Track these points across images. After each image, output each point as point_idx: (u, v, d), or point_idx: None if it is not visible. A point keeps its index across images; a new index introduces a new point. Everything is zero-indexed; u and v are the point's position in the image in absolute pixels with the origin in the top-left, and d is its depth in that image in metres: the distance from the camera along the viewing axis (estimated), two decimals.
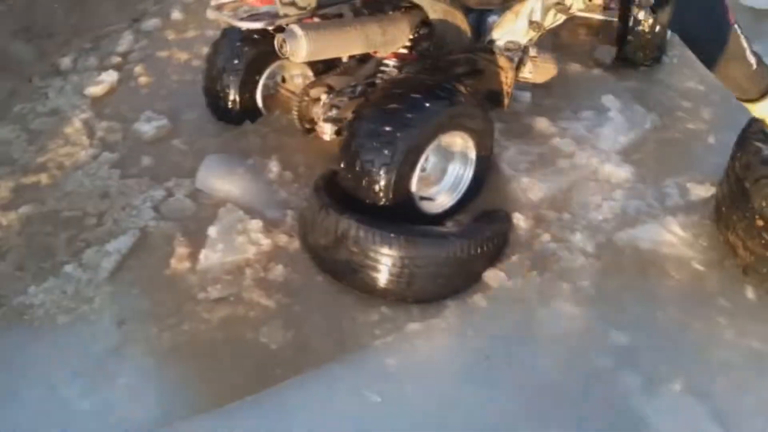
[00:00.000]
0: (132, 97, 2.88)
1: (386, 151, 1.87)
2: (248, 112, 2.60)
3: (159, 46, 3.27)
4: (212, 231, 2.11)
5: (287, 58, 2.22)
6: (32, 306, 1.92)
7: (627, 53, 2.81)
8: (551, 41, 2.65)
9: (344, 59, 2.41)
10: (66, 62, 3.13)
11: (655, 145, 2.42)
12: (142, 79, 2.99)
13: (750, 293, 1.88)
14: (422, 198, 2.09)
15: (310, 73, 2.62)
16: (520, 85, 2.70)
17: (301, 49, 1.88)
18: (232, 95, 2.53)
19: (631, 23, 2.69)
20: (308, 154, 2.49)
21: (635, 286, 1.92)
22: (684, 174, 2.28)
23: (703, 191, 2.21)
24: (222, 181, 2.34)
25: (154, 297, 1.96)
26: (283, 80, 2.69)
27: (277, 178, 2.36)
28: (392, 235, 1.81)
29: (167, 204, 2.27)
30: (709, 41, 2.01)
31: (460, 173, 2.15)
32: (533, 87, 2.71)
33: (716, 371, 1.69)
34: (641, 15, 2.67)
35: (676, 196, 2.21)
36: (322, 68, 2.58)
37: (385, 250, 1.81)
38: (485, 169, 2.19)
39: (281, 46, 1.89)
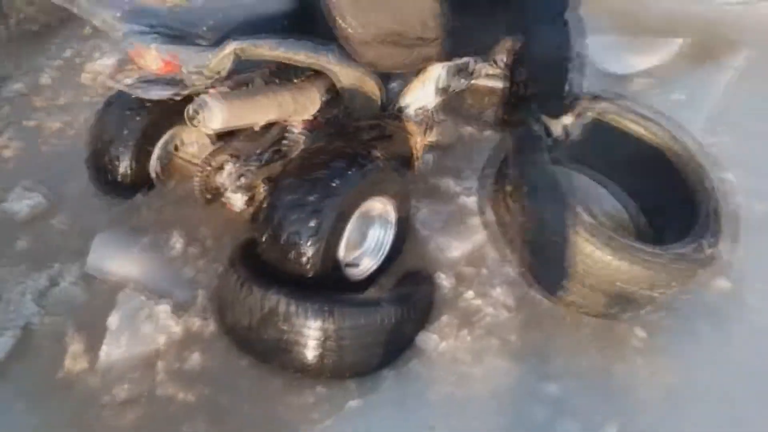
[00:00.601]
0: None
1: (312, 222, 1.80)
2: (140, 184, 2.40)
3: (26, 114, 2.96)
4: (112, 321, 1.88)
5: (197, 127, 2.11)
6: None
7: (513, 116, 3.02)
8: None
9: (256, 127, 2.34)
10: None
11: None
12: (8, 152, 2.67)
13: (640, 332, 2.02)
14: (347, 264, 2.04)
15: (207, 141, 2.50)
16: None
17: (214, 118, 1.79)
18: (123, 167, 2.32)
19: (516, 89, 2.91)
20: (213, 225, 2.34)
21: (556, 336, 1.99)
22: None
23: None
24: (117, 262, 2.11)
25: (45, 409, 1.67)
26: (178, 147, 2.54)
27: (181, 255, 2.18)
28: (326, 307, 1.72)
29: (52, 294, 2.00)
30: None
31: (382, 236, 2.14)
32: (434, 149, 2.82)
33: (643, 410, 1.78)
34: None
35: None
36: (223, 134, 2.48)
37: (319, 324, 1.71)
38: (405, 230, 2.20)
39: (193, 117, 1.78)
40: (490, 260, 2.23)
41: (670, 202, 2.33)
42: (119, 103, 2.37)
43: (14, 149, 2.64)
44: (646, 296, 1.91)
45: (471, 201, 2.44)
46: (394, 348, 1.85)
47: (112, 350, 1.80)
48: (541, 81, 2.33)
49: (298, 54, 1.80)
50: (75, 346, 1.82)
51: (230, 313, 1.85)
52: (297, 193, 1.84)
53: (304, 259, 1.80)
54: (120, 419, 1.66)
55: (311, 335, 1.71)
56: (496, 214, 2.18)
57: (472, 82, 3.16)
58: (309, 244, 1.80)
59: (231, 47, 1.65)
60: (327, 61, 1.89)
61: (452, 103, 2.96)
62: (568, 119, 2.30)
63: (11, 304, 1.94)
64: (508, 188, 2.08)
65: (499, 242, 2.27)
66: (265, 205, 1.92)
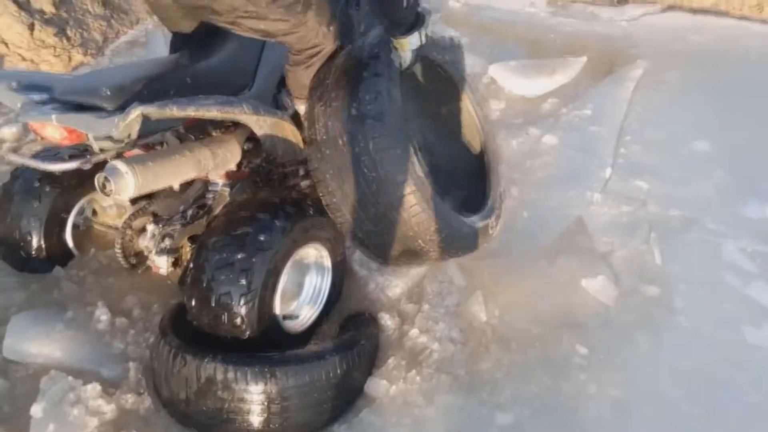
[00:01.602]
0: None
1: (243, 281, 1.74)
2: (57, 256, 2.27)
3: None
4: (36, 410, 1.73)
5: (108, 196, 2.06)
6: None
7: None
8: None
9: (175, 186, 2.26)
10: None
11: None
12: None
13: (581, 348, 2.06)
14: (285, 317, 1.98)
15: (126, 203, 2.39)
16: None
17: (127, 185, 1.71)
18: (36, 241, 2.21)
19: None
20: (139, 292, 2.24)
21: (504, 363, 2.01)
22: (512, 250, 2.51)
23: None
24: (38, 343, 1.97)
25: None
26: (95, 214, 2.42)
27: (108, 328, 2.06)
28: (266, 369, 1.65)
29: None
30: None
31: (319, 283, 2.10)
32: None
33: (593, 426, 1.82)
34: None
35: None
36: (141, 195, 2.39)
37: (261, 387, 1.64)
38: (342, 274, 2.18)
39: (104, 186, 1.70)
40: (431, 294, 2.24)
41: (460, 170, 2.45)
42: (26, 175, 2.25)
43: None
44: (436, 257, 2.02)
45: None
46: (343, 400, 1.81)
47: None
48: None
49: (211, 110, 1.75)
50: None
51: (165, 386, 1.75)
52: (224, 251, 1.77)
53: (239, 320, 1.74)
54: None
55: (254, 400, 1.63)
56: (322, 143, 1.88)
57: None
58: (242, 303, 1.74)
59: (137, 111, 1.58)
60: (242, 112, 1.85)
61: None
62: (415, 41, 2.05)
63: None
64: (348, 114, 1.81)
65: (438, 274, 2.30)
66: (191, 267, 1.84)
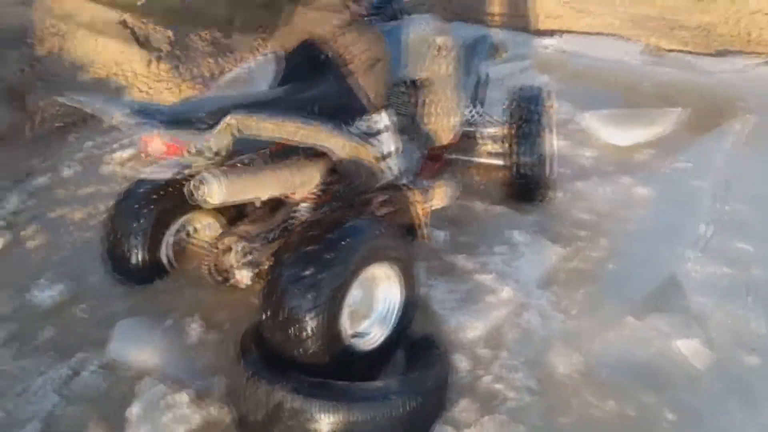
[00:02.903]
0: (23, 262, 2.61)
1: (310, 295, 1.81)
2: (157, 270, 2.45)
3: (50, 206, 3.06)
4: (133, 412, 1.87)
5: (199, 205, 2.19)
6: None
7: (518, 194, 3.09)
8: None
9: (257, 204, 2.39)
10: None
11: (566, 275, 2.60)
12: (34, 242, 2.74)
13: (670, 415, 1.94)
14: (355, 335, 2.03)
15: (218, 224, 2.57)
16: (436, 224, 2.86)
17: (214, 192, 1.86)
18: (139, 256, 2.38)
19: (514, 170, 2.99)
20: (231, 309, 2.36)
21: (584, 420, 1.94)
22: (597, 303, 2.44)
23: None
24: (138, 350, 2.12)
25: None
26: (190, 234, 2.61)
27: (200, 341, 2.19)
28: (332, 402, 1.69)
29: (75, 383, 2.00)
30: None
31: (389, 303, 2.12)
32: (448, 225, 2.87)
33: None
34: (524, 160, 2.98)
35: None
36: (233, 217, 2.56)
37: (326, 419, 1.67)
38: (414, 296, 2.19)
39: (193, 192, 1.85)
40: (510, 341, 2.21)
41: None
42: (132, 196, 2.46)
43: (38, 240, 2.71)
44: None
45: (487, 278, 2.45)
46: None
47: None
48: None
49: (291, 123, 1.89)
50: None
51: (240, 406, 1.82)
52: (294, 267, 1.85)
53: (305, 334, 1.79)
54: None
55: (319, 431, 1.67)
56: None
57: (478, 159, 3.30)
58: (309, 317, 1.79)
59: (227, 120, 1.73)
60: (320, 130, 1.98)
61: (463, 179, 3.06)
62: None
63: (34, 394, 1.94)
64: None
65: (520, 321, 2.27)
66: (266, 281, 1.93)
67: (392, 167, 2.44)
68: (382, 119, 2.38)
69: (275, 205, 2.52)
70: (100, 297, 2.40)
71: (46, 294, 2.37)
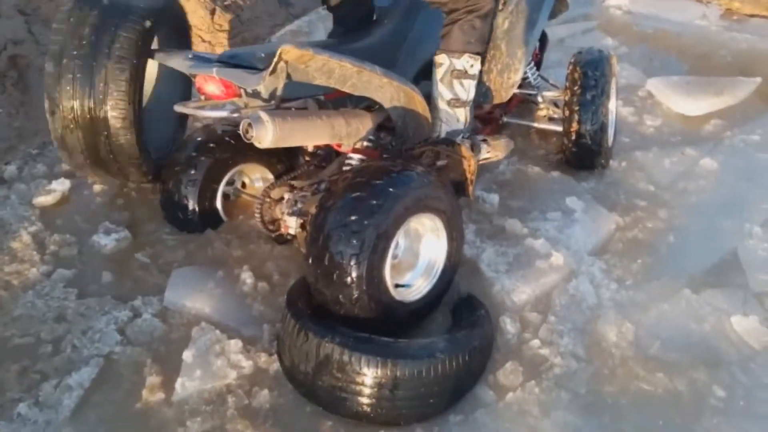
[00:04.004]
0: (86, 207, 2.72)
1: (354, 241, 1.82)
2: (209, 221, 2.53)
3: None
4: (187, 355, 1.95)
5: (251, 156, 2.43)
6: None
7: (575, 161, 3.00)
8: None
9: (308, 149, 2.48)
10: (10, 170, 2.94)
11: (623, 244, 2.52)
12: (97, 188, 2.85)
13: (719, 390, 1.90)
14: (398, 285, 2.04)
15: (270, 176, 2.61)
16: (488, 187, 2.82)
17: (266, 133, 1.87)
18: (191, 206, 2.46)
19: (573, 136, 2.90)
20: (279, 262, 2.42)
21: (629, 391, 1.91)
22: (653, 274, 2.37)
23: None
24: (193, 297, 2.20)
25: None
26: (243, 186, 2.66)
27: (251, 291, 2.25)
28: (379, 357, 1.72)
29: (134, 326, 2.09)
30: None
31: (433, 255, 2.12)
32: (500, 188, 2.82)
33: None
34: (583, 128, 2.88)
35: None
36: (283, 171, 2.60)
37: (373, 373, 1.71)
38: (459, 249, 2.18)
39: (246, 131, 1.87)
40: (558, 306, 2.18)
41: None
42: (186, 147, 2.54)
43: (99, 188, 2.82)
44: None
45: (538, 244, 2.41)
46: (450, 397, 1.82)
47: (187, 383, 1.86)
48: None
49: (343, 60, 1.88)
50: (153, 378, 1.90)
51: (288, 355, 1.88)
52: (339, 213, 1.86)
53: (349, 279, 1.82)
54: None
55: (365, 384, 1.71)
56: None
57: (536, 124, 3.21)
58: (352, 263, 1.81)
59: (279, 49, 1.73)
60: (373, 72, 1.97)
61: (516, 144, 2.99)
62: None
63: (97, 333, 2.05)
64: None
65: (569, 287, 2.24)
66: (311, 228, 1.95)
67: (455, 117, 2.42)
68: (477, 65, 2.36)
69: (325, 158, 2.54)
70: (155, 245, 2.49)
71: (108, 239, 2.47)
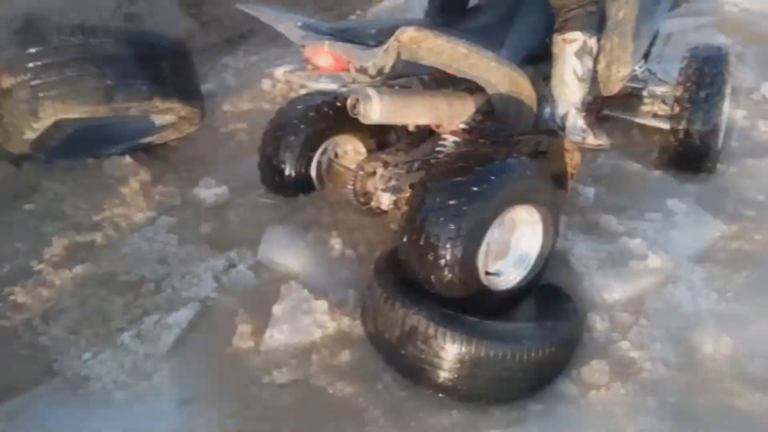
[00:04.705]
0: (189, 162, 2.86)
1: (452, 225, 1.81)
2: (303, 186, 2.59)
3: (214, 113, 3.27)
4: (277, 309, 2.03)
5: (348, 127, 2.45)
6: (87, 378, 1.81)
7: (680, 162, 2.85)
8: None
9: (410, 128, 2.47)
10: None
11: (726, 254, 2.38)
12: (199, 144, 2.98)
13: None
14: (488, 273, 2.02)
15: (363, 149, 2.64)
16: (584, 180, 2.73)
17: (373, 110, 1.89)
18: (288, 171, 2.53)
19: (681, 135, 2.74)
20: (367, 232, 2.45)
21: (724, 406, 1.82)
22: (757, 289, 2.22)
23: None
24: (284, 255, 2.28)
25: (215, 378, 1.86)
26: (336, 156, 2.71)
27: (339, 256, 2.30)
28: (466, 335, 1.72)
29: (229, 275, 2.20)
30: None
31: (527, 248, 2.08)
32: (597, 182, 2.73)
33: None
34: (693, 128, 2.72)
35: None
36: (377, 145, 2.62)
37: (456, 350, 1.72)
38: (553, 244, 2.13)
39: (354, 106, 1.90)
40: (652, 310, 2.09)
41: None
42: (287, 113, 2.59)
43: (203, 144, 2.95)
44: None
45: (635, 243, 2.31)
46: (531, 384, 1.81)
47: (276, 336, 1.94)
48: None
49: (459, 45, 1.85)
50: (243, 326, 1.99)
51: (373, 323, 1.91)
52: (439, 196, 1.85)
53: (442, 261, 1.81)
54: (276, 400, 1.78)
55: (448, 359, 1.72)
56: None
57: (639, 120, 3.07)
58: (447, 246, 1.80)
59: (399, 34, 1.73)
60: (485, 56, 1.94)
61: (617, 140, 2.87)
62: None
63: (195, 278, 2.17)
64: None
65: (665, 292, 2.14)
66: (408, 206, 1.96)
67: (579, 94, 2.37)
68: (594, 44, 2.33)
69: (420, 136, 2.54)
70: (251, 204, 2.59)
71: (209, 192, 2.60)
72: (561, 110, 2.37)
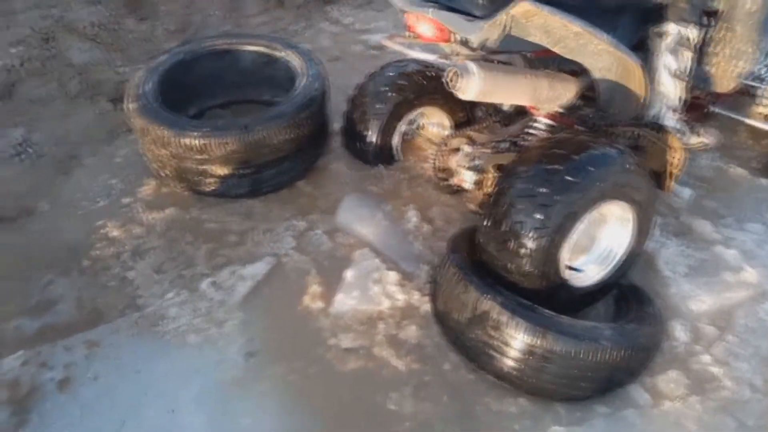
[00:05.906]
0: None
1: (539, 215, 1.72)
2: (383, 156, 2.57)
3: None
4: (348, 275, 2.05)
5: (437, 99, 2.38)
6: (165, 318, 1.91)
7: None
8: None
9: (505, 107, 2.38)
10: None
11: None
12: None
13: None
14: (569, 267, 1.93)
15: (448, 124, 2.58)
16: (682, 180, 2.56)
17: (472, 85, 1.81)
18: (372, 138, 2.50)
19: None
20: (444, 209, 2.41)
21: None
22: None
23: None
24: (361, 223, 2.28)
25: (283, 333, 1.91)
26: (421, 127, 2.65)
27: (414, 230, 2.28)
28: (539, 328, 1.66)
29: (307, 236, 2.23)
30: None
31: (614, 246, 1.97)
32: (696, 184, 2.55)
33: None
34: None
35: None
36: (463, 121, 2.54)
37: (528, 341, 1.66)
38: (642, 244, 2.01)
39: (452, 79, 1.82)
40: (741, 327, 1.96)
41: None
42: (377, 80, 2.54)
43: None
44: None
45: (730, 254, 2.16)
46: (600, 386, 1.73)
47: (345, 300, 1.97)
48: None
49: (573, 23, 1.73)
50: (315, 287, 2.03)
51: (443, 301, 1.88)
52: (529, 182, 1.77)
53: (523, 250, 1.74)
54: (341, 365, 1.81)
55: (517, 348, 1.67)
56: None
57: (749, 121, 2.81)
58: (531, 236, 1.72)
59: (513, 4, 1.64)
60: (595, 36, 1.80)
61: (726, 140, 2.66)
62: None
63: (276, 235, 2.22)
64: None
65: (759, 310, 1.99)
66: (495, 189, 1.88)
67: (674, 92, 2.18)
68: (694, 33, 2.12)
69: (510, 115, 2.45)
70: (332, 169, 2.59)
71: None
72: (654, 110, 2.20)
